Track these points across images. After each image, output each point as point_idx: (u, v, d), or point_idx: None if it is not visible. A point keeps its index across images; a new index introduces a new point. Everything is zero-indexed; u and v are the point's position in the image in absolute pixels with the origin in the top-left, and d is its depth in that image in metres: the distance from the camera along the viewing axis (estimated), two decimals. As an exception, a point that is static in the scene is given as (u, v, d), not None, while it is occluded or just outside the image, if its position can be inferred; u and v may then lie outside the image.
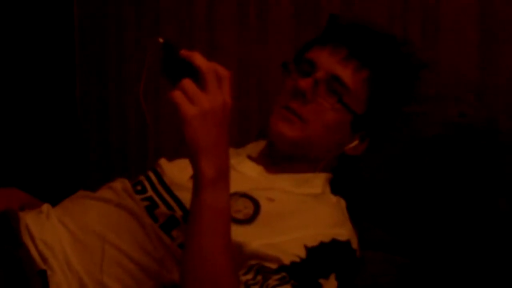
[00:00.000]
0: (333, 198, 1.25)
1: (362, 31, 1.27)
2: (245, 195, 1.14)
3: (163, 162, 1.29)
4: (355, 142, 1.25)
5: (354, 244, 1.13)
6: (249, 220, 1.11)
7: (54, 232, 1.13)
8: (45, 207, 1.21)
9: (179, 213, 1.12)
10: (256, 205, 1.13)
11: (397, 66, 1.26)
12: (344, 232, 1.13)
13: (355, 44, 1.23)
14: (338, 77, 1.20)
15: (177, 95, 0.89)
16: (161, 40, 0.94)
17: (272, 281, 1.00)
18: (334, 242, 1.09)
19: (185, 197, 1.13)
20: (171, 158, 1.30)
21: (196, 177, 0.93)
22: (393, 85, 1.25)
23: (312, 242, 1.06)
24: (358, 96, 1.22)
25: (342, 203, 1.25)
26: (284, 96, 1.23)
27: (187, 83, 0.90)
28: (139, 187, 1.21)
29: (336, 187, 1.28)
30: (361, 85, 1.22)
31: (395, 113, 1.29)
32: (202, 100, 0.89)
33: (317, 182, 1.24)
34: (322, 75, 1.21)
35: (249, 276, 1.01)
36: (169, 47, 0.94)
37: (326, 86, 1.21)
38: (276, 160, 1.26)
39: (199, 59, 0.91)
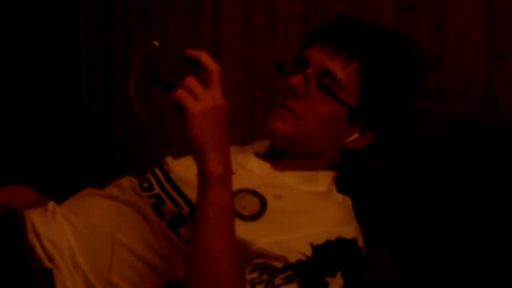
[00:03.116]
0: (339, 197, 1.25)
1: (350, 24, 1.28)
2: (252, 192, 1.15)
3: (169, 159, 1.28)
4: (355, 136, 1.24)
5: (360, 243, 1.13)
6: (255, 216, 1.11)
7: (60, 230, 1.13)
8: (51, 205, 1.21)
9: (186, 210, 1.13)
10: (263, 202, 1.13)
11: (389, 56, 1.25)
12: (350, 230, 1.12)
13: (342, 37, 1.23)
14: (328, 71, 1.20)
15: (181, 93, 0.90)
16: (156, 43, 0.94)
17: (278, 280, 1.01)
18: (340, 240, 1.09)
19: (192, 194, 1.12)
20: (176, 155, 1.30)
21: (203, 175, 0.94)
22: (386, 74, 1.24)
23: (319, 241, 1.06)
24: (350, 88, 1.21)
25: (348, 201, 1.25)
26: (280, 96, 1.24)
27: (191, 81, 0.91)
28: (145, 185, 1.21)
29: (342, 186, 1.27)
30: (352, 77, 1.21)
31: (395, 105, 1.28)
32: (206, 97, 0.91)
33: (324, 180, 1.24)
34: (313, 70, 1.21)
35: (255, 275, 1.01)
36: (164, 49, 0.94)
37: (317, 81, 1.21)
38: (281, 157, 1.26)
39: (207, 58, 0.93)
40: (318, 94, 1.20)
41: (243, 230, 1.06)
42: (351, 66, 1.21)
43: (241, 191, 1.14)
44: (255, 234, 1.07)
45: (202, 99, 0.90)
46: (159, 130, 2.05)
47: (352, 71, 1.21)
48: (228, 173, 0.95)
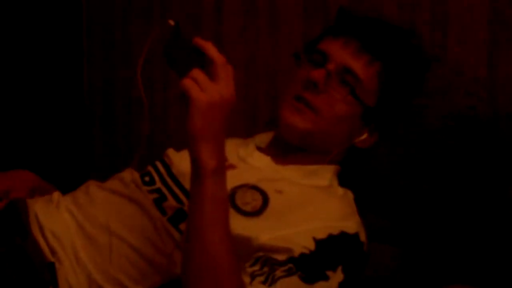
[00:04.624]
0: (341, 191, 1.24)
1: (374, 24, 1.27)
2: (254, 187, 1.14)
3: (171, 152, 1.28)
4: (365, 135, 1.24)
5: (362, 237, 1.13)
6: (258, 212, 1.10)
7: (63, 223, 1.13)
8: (56, 195, 1.21)
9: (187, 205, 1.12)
10: (265, 198, 1.12)
11: (409, 60, 1.25)
12: (352, 225, 1.12)
13: (367, 37, 1.22)
14: (350, 69, 1.20)
15: (188, 82, 0.90)
16: (172, 22, 0.93)
17: (278, 272, 1.01)
18: (343, 234, 1.09)
19: None
20: (178, 148, 1.30)
21: (197, 167, 0.93)
22: (404, 78, 1.24)
23: (321, 235, 1.06)
24: (370, 89, 1.21)
25: (350, 195, 1.25)
26: (295, 86, 1.22)
27: (198, 73, 0.91)
28: (147, 178, 1.21)
29: (343, 180, 1.27)
30: (372, 78, 1.21)
31: (405, 106, 1.28)
32: (212, 90, 0.90)
33: (325, 174, 1.24)
34: (334, 66, 1.20)
35: (256, 267, 1.02)
36: (178, 32, 0.93)
37: (338, 77, 1.20)
38: (284, 151, 1.25)
39: (213, 50, 0.92)
40: (340, 92, 1.19)
41: (245, 226, 1.06)
42: (374, 67, 1.21)
43: (243, 186, 1.14)
44: (258, 230, 1.06)
45: (208, 91, 0.90)
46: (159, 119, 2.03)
47: (374, 73, 1.21)
48: (221, 167, 0.94)
